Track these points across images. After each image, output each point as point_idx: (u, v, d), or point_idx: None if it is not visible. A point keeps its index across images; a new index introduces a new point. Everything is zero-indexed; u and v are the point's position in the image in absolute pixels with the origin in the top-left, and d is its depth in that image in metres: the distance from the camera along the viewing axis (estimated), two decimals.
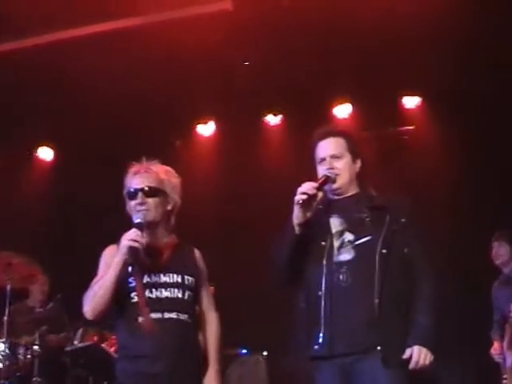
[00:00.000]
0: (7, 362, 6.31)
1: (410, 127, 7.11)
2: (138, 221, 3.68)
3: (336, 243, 3.65)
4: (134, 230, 3.62)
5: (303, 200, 3.56)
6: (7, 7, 6.55)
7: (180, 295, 3.72)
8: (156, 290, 3.68)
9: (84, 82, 7.56)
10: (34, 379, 6.34)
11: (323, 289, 3.57)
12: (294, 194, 3.62)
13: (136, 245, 3.56)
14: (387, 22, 6.92)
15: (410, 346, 3.47)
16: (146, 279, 3.66)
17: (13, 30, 6.97)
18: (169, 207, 3.84)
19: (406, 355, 3.46)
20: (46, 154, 9.23)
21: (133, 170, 3.93)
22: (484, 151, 7.72)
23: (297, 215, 3.62)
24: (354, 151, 3.82)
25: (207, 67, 7.60)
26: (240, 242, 8.30)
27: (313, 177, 3.73)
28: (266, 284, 7.85)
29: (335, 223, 3.71)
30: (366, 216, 3.66)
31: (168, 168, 4.02)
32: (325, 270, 3.59)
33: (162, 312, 3.64)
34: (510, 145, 7.56)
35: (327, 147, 3.81)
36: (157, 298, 3.67)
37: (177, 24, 7.06)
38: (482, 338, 6.80)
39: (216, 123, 8.98)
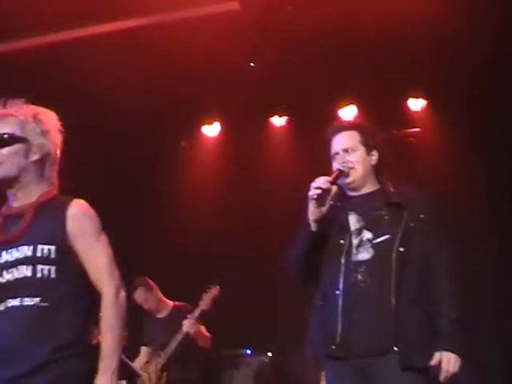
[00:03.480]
0: None
1: (416, 129, 7.09)
2: None
3: (355, 241, 3.58)
4: None
5: (317, 195, 3.51)
6: None
7: (29, 273, 2.95)
8: (7, 271, 2.98)
9: (89, 81, 7.57)
10: None
11: (341, 288, 3.51)
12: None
13: None
14: (393, 24, 6.90)
15: (438, 351, 3.39)
16: None
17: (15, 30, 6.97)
18: (34, 157, 3.11)
19: (434, 361, 3.38)
20: None
21: None
22: (489, 152, 7.70)
23: (312, 211, 3.56)
24: (368, 144, 3.77)
25: (213, 67, 7.60)
26: (244, 243, 8.29)
27: (319, 175, 3.70)
28: (270, 284, 7.91)
29: (353, 221, 3.64)
30: (384, 214, 3.59)
31: (41, 109, 3.28)
32: (343, 269, 3.53)
33: (6, 300, 2.95)
34: None
35: (340, 141, 3.78)
36: (6, 281, 2.98)
37: (183, 24, 7.07)
38: None
39: (221, 124, 8.98)
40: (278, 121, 8.84)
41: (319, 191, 3.52)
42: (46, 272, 2.96)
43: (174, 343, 6.48)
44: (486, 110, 7.65)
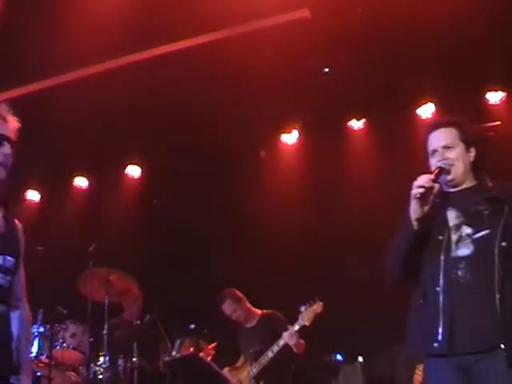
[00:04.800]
0: (108, 374, 6.50)
1: (496, 123, 6.96)
2: None
3: (454, 237, 3.53)
4: None
5: (421, 193, 3.47)
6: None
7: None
8: None
9: (164, 100, 7.75)
10: None
11: (441, 284, 3.46)
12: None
13: None
14: (465, 18, 6.83)
15: None
16: None
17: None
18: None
19: None
20: (134, 171, 9.44)
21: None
22: None
23: (414, 210, 3.52)
24: (467, 140, 3.70)
25: (288, 76, 7.65)
26: (330, 248, 8.29)
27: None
28: (357, 288, 7.86)
29: (452, 216, 3.60)
30: (483, 209, 3.52)
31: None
32: (442, 265, 3.48)
33: None
34: None
35: (439, 138, 3.73)
36: None
37: (256, 35, 7.14)
38: None
39: (300, 131, 9.02)
40: (356, 124, 8.82)
41: (422, 190, 3.48)
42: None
43: (270, 354, 6.47)
44: None
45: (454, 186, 3.69)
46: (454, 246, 3.51)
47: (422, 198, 3.50)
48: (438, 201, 3.63)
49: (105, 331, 6.58)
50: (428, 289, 3.53)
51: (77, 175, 9.44)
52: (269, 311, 6.95)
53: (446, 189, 3.70)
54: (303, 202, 8.68)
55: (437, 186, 3.58)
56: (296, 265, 8.31)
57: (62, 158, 8.70)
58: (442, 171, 3.61)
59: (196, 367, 6.53)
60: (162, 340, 7.09)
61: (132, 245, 8.77)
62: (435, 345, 3.43)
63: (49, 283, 7.47)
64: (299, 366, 6.77)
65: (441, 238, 3.55)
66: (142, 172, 9.44)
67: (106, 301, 6.73)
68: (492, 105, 8.18)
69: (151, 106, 7.91)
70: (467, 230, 3.52)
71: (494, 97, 8.18)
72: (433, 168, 3.65)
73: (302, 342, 6.49)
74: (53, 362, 6.42)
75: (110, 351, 6.58)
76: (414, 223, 3.54)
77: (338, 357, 7.71)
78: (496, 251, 3.39)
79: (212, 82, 7.62)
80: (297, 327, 6.32)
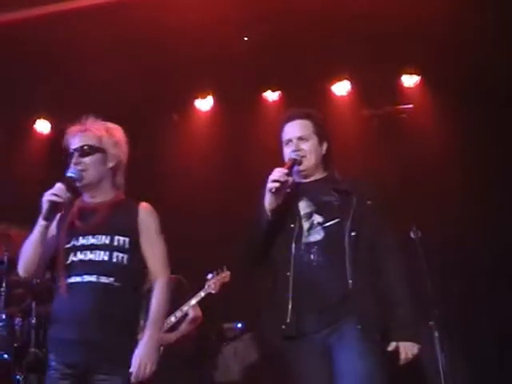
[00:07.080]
0: (4, 333, 6.35)
1: (409, 106, 7.10)
2: (68, 174, 3.69)
3: (305, 225, 3.72)
4: (57, 185, 3.63)
5: (276, 188, 3.61)
6: None
7: (106, 258, 3.61)
8: (81, 252, 3.62)
9: (79, 55, 7.54)
10: (31, 350, 6.38)
11: (291, 269, 3.64)
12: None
13: (56, 199, 3.59)
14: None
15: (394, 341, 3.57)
16: (73, 242, 3.65)
17: None
18: (110, 164, 3.84)
19: (390, 348, 3.55)
20: (42, 127, 9.16)
21: (71, 130, 3.91)
22: (484, 130, 7.68)
23: (269, 202, 3.68)
24: (321, 134, 3.90)
25: (206, 42, 7.57)
26: (238, 217, 8.28)
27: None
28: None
29: (303, 206, 3.77)
30: (334, 199, 3.73)
31: (110, 125, 3.98)
32: (293, 252, 3.66)
33: (82, 275, 3.57)
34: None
35: (294, 129, 3.90)
36: (80, 260, 3.61)
37: None
38: None
39: (214, 98, 8.95)
40: (271, 96, 8.81)
41: (278, 184, 3.62)
42: (120, 258, 3.62)
43: (172, 319, 6.45)
44: (479, 85, 7.62)
45: (305, 177, 3.89)
46: (306, 233, 3.72)
47: (277, 192, 3.64)
48: (289, 191, 3.80)
49: (2, 289, 6.43)
50: (278, 274, 3.73)
51: None
52: (173, 276, 6.91)
53: (297, 179, 3.89)
54: (212, 167, 8.65)
55: (291, 178, 3.75)
56: (206, 231, 8.27)
57: None
58: (295, 162, 3.80)
59: None
60: None
61: (34, 201, 8.52)
62: (283, 327, 3.63)
63: None
64: (201, 333, 6.78)
65: (292, 226, 3.74)
66: (51, 128, 9.18)
67: (6, 257, 6.56)
68: (407, 88, 8.30)
69: (62, 61, 7.67)
70: (318, 218, 3.72)
71: (409, 80, 8.30)
72: (286, 158, 3.84)
73: (200, 315, 6.51)
74: None
75: (8, 310, 6.43)
76: (269, 214, 3.71)
77: (239, 325, 7.75)
78: (346, 239, 3.62)
79: (127, 43, 7.44)
80: (203, 294, 6.36)
